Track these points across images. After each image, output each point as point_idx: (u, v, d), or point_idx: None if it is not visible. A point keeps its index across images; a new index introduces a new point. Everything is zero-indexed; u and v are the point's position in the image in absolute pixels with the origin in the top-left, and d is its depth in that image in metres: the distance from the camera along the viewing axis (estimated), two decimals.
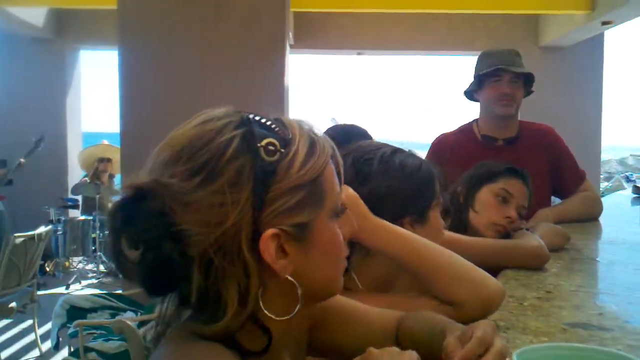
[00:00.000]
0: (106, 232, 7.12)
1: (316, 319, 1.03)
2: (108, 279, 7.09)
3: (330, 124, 2.58)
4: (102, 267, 7.26)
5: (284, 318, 0.81)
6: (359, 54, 7.65)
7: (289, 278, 0.79)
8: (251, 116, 0.82)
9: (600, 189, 8.21)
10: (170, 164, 0.77)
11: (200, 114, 0.83)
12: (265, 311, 0.79)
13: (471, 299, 1.18)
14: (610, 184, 11.21)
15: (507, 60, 2.54)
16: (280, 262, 0.78)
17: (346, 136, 2.29)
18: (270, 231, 0.76)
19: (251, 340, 0.79)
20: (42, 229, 4.70)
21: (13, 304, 4.45)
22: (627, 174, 13.66)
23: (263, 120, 0.81)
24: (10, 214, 6.53)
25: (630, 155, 20.38)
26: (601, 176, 12.15)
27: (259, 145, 0.77)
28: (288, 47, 4.28)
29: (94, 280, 7.08)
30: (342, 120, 2.60)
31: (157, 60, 4.16)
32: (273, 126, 0.81)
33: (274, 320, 0.80)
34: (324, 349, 1.07)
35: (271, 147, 0.77)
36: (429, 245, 1.24)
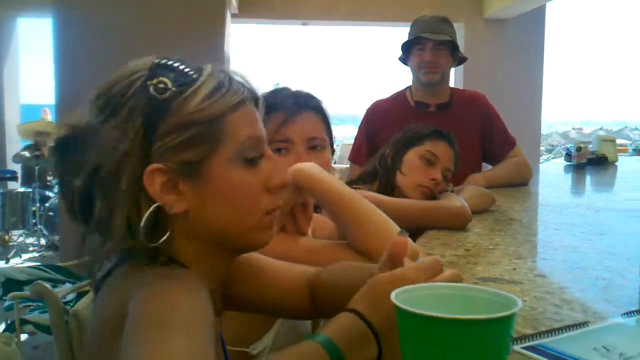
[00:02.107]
0: (46, 204, 6.99)
1: (228, 272, 1.05)
2: (49, 253, 6.95)
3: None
4: (42, 241, 7.11)
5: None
6: (304, 24, 7.59)
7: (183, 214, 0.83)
8: (163, 61, 0.86)
9: (541, 161, 8.42)
10: (91, 102, 0.85)
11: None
12: (176, 251, 0.83)
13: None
14: (552, 156, 11.52)
15: (430, 27, 2.56)
16: (167, 197, 0.81)
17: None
18: (153, 165, 0.80)
19: None
20: None
21: None
22: (568, 145, 14.04)
23: (169, 63, 0.86)
24: None
25: (573, 128, 20.95)
26: (543, 148, 12.48)
27: (148, 83, 0.81)
28: (229, 16, 4.23)
29: (35, 254, 6.93)
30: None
31: (92, 29, 4.07)
32: (179, 67, 0.85)
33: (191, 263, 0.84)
34: (239, 303, 1.08)
35: (161, 85, 0.81)
36: (354, 195, 1.27)
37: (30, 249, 7.13)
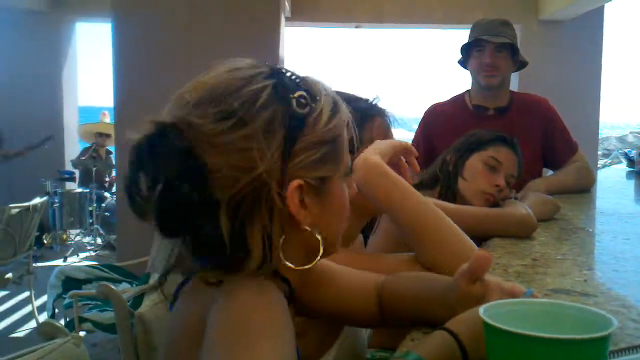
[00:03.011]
0: (103, 205, 7.15)
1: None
2: (105, 252, 7.11)
3: None
4: (99, 240, 7.27)
5: (303, 268, 0.83)
6: (357, 27, 7.58)
7: (308, 229, 0.81)
8: (281, 69, 0.85)
9: (599, 165, 8.19)
10: (199, 105, 0.79)
11: (225, 62, 0.86)
12: (286, 262, 0.80)
13: (451, 269, 1.18)
14: (610, 160, 11.20)
15: (490, 30, 2.51)
16: (301, 212, 0.80)
17: None
18: (297, 181, 0.78)
19: None
20: (37, 200, 4.70)
21: (9, 275, 4.47)
22: (626, 150, 13.64)
23: (289, 74, 0.84)
24: (6, 187, 6.52)
25: (630, 132, 20.31)
26: (600, 153, 12.14)
27: (291, 96, 0.79)
28: (284, 20, 4.24)
29: (92, 253, 7.10)
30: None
31: (150, 34, 4.13)
32: (299, 81, 0.84)
33: (290, 273, 0.83)
34: (308, 308, 1.08)
35: (302, 100, 0.80)
36: (426, 204, 1.24)
37: (87, 247, 7.31)
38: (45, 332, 1.15)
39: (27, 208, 4.51)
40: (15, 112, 6.75)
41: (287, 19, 5.69)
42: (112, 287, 1.39)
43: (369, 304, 1.07)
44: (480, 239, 1.67)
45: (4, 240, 4.35)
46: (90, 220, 7.23)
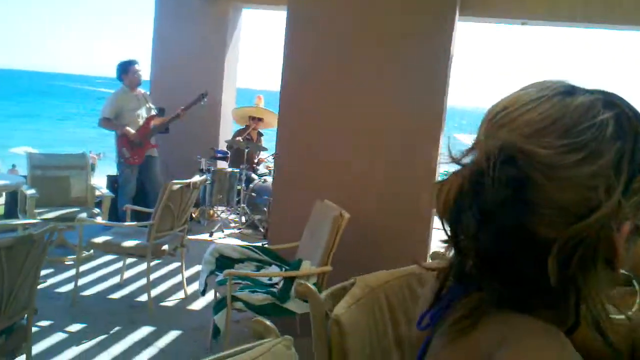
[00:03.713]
0: (250, 185, 7.34)
1: None
2: (248, 231, 7.32)
3: None
4: (243, 219, 7.49)
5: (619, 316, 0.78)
6: (523, 23, 7.22)
7: (625, 274, 0.76)
8: (611, 95, 0.75)
9: None
10: (540, 133, 0.70)
11: (538, 84, 0.77)
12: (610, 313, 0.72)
13: None
14: None
15: None
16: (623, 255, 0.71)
17: None
18: (629, 223, 0.69)
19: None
20: (197, 178, 4.87)
21: (165, 247, 4.67)
22: None
23: (623, 100, 0.74)
24: (163, 162, 6.86)
25: None
26: None
27: (638, 129, 0.71)
28: (457, 14, 4.08)
29: (235, 231, 7.33)
30: None
31: (322, 21, 4.12)
32: (635, 111, 0.74)
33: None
34: None
35: None
36: None
37: (232, 225, 7.57)
38: (256, 330, 1.12)
39: (187, 185, 4.68)
40: (181, 91, 7.05)
41: None
42: (311, 286, 1.33)
43: (623, 349, 0.94)
44: None
45: (164, 214, 4.55)
46: (237, 199, 7.46)
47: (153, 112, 6.63)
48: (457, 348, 0.73)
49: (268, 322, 1.14)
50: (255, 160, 8.14)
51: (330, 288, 1.43)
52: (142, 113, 6.51)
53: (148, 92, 6.81)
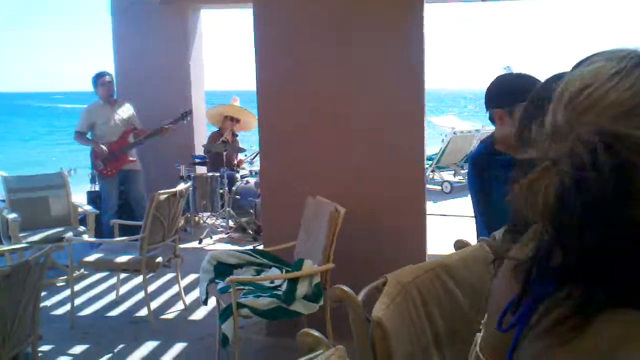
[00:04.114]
0: (233, 188, 7.29)
1: None
2: (237, 234, 7.27)
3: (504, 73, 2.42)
4: (230, 222, 7.44)
5: None
6: (483, 0, 7.32)
7: None
8: None
9: None
10: (629, 113, 0.65)
11: (606, 55, 0.72)
12: None
13: None
14: None
15: None
16: None
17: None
18: None
19: None
20: (182, 186, 4.83)
21: (159, 259, 4.62)
22: None
23: None
24: (144, 173, 6.79)
25: None
26: None
27: None
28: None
29: (224, 235, 7.28)
30: (517, 69, 2.41)
31: (290, 16, 4.09)
32: None
33: None
34: None
35: None
36: None
37: (219, 230, 7.51)
38: (304, 343, 1.10)
39: (174, 194, 4.63)
40: (148, 98, 6.98)
41: None
42: (346, 289, 1.32)
43: None
44: None
45: (154, 226, 4.49)
46: (222, 203, 7.41)
47: (135, 126, 6.57)
48: (571, 349, 0.69)
49: (316, 333, 1.13)
50: (235, 162, 8.08)
51: (364, 289, 1.42)
52: (119, 125, 6.43)
53: (132, 108, 6.71)
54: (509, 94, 2.26)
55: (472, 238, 1.98)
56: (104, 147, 6.31)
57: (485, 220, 2.23)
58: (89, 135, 6.49)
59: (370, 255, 4.06)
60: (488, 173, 2.21)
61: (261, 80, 4.16)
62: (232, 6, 8.15)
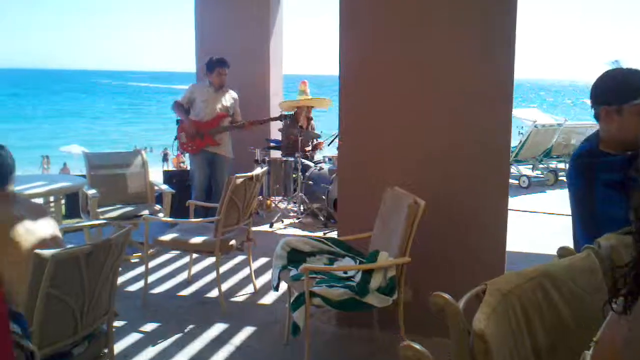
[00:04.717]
0: (307, 173, 7.25)
1: None
2: (308, 219, 7.25)
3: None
4: (302, 208, 7.42)
5: None
6: None
7: None
8: None
9: None
10: None
11: None
12: None
13: None
14: None
15: None
16: None
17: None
18: None
19: None
20: (258, 170, 4.80)
21: (233, 242, 4.62)
22: None
23: None
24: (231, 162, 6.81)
25: None
26: None
27: None
28: None
29: (295, 220, 7.27)
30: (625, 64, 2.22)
31: (378, 1, 3.97)
32: None
33: None
34: None
35: None
36: None
37: (291, 214, 7.50)
38: (406, 357, 1.01)
39: (250, 177, 4.61)
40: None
41: None
42: (447, 297, 1.21)
43: None
44: None
45: (229, 209, 4.49)
46: (294, 188, 7.39)
47: (234, 114, 6.66)
48: None
49: (418, 346, 1.04)
50: (309, 148, 8.03)
51: (464, 297, 1.31)
52: (216, 109, 6.50)
53: (236, 96, 6.76)
54: (618, 90, 2.09)
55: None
56: (191, 122, 6.42)
57: (585, 225, 2.07)
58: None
59: (448, 251, 3.93)
60: (591, 174, 2.05)
61: (344, 66, 4.08)
62: None
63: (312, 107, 7.91)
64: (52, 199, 5.90)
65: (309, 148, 8.04)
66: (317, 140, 8.06)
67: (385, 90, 4.00)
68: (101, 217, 5.41)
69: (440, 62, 3.87)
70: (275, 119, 7.08)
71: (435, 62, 3.88)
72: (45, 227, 2.81)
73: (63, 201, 6.97)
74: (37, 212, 2.86)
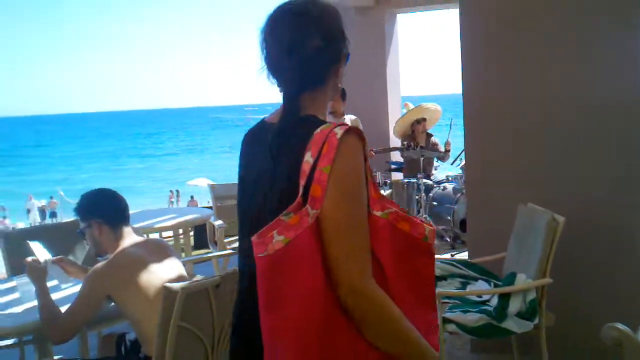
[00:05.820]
0: (430, 194, 7.07)
1: None
2: (434, 242, 7.03)
3: None
4: None
5: None
6: None
7: None
8: None
9: None
10: None
11: None
12: None
13: None
14: None
15: None
16: None
17: None
18: None
19: None
20: (383, 193, 4.71)
21: None
22: None
23: None
24: None
25: None
26: None
27: None
28: None
29: None
30: None
31: (501, 22, 3.81)
32: None
33: None
34: None
35: None
36: None
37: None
38: (614, 337, 0.90)
39: None
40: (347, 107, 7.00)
41: None
42: (624, 328, 1.06)
43: None
44: None
45: None
46: (417, 209, 7.22)
47: None
48: None
49: (622, 327, 0.92)
50: (435, 164, 7.82)
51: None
52: None
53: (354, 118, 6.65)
54: None
55: None
56: None
57: None
58: None
59: (591, 271, 3.64)
60: None
61: (468, 83, 3.94)
62: (429, 8, 7.95)
63: (425, 119, 7.64)
64: (180, 231, 6.11)
65: (436, 163, 7.81)
66: (442, 151, 7.73)
67: (512, 106, 3.84)
68: (228, 247, 5.52)
69: (572, 79, 3.66)
70: (396, 149, 6.94)
71: (567, 78, 3.67)
72: (172, 268, 2.87)
73: (191, 233, 7.22)
74: (163, 251, 2.93)
